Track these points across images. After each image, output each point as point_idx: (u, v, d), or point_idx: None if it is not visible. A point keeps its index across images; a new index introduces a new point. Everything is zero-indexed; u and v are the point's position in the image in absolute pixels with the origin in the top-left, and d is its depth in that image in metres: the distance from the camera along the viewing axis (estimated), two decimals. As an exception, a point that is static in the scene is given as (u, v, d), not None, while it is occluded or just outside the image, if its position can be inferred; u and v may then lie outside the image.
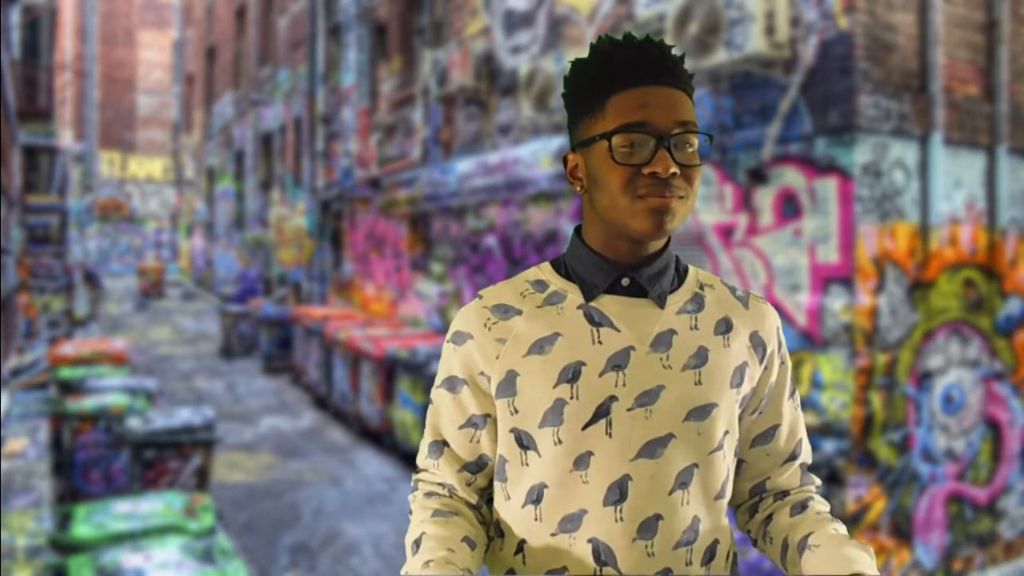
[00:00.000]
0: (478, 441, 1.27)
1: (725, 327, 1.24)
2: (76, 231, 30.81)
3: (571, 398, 1.18)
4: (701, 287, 1.28)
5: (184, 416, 5.71)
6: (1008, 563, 5.41)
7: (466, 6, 9.19)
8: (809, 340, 4.83)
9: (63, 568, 3.39)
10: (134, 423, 5.54)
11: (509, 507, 1.24)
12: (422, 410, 7.08)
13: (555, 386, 1.18)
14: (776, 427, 1.30)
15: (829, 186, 4.71)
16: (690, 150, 1.17)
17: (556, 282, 1.26)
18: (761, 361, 1.26)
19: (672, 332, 1.21)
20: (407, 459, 7.52)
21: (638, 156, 1.15)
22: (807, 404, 4.81)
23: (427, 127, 10.01)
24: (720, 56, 4.93)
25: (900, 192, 4.80)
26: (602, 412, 1.17)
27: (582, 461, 1.17)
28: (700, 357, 1.20)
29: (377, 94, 12.17)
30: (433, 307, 9.88)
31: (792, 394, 1.32)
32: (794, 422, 1.32)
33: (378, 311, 11.73)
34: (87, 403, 5.87)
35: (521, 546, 1.22)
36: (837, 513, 4.75)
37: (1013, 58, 5.35)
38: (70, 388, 6.64)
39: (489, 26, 8.58)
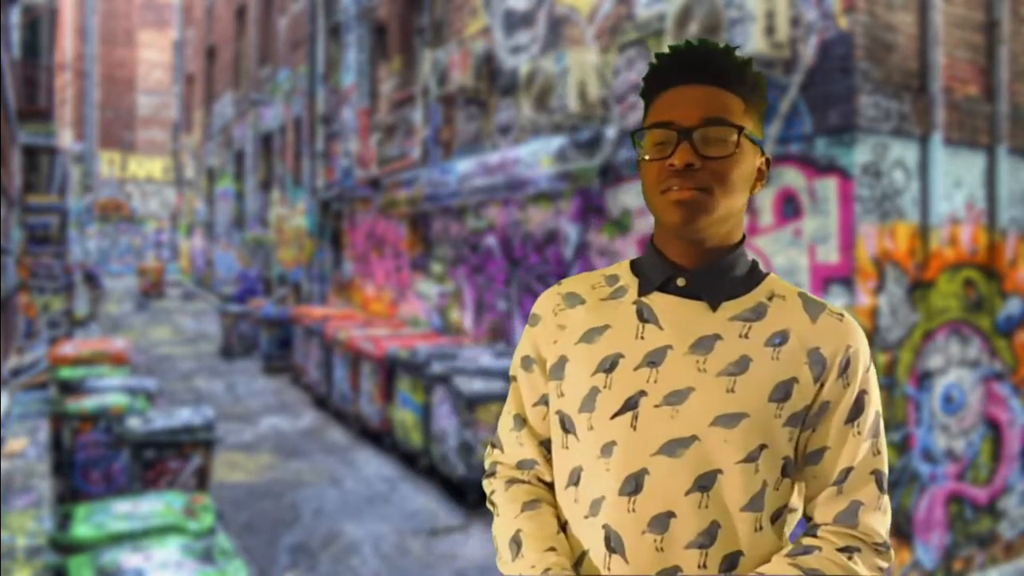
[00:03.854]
0: (547, 419, 1.32)
1: (780, 339, 1.21)
2: (76, 231, 30.80)
3: (604, 387, 1.22)
4: (771, 297, 1.25)
5: (184, 416, 5.71)
6: (1008, 563, 5.41)
7: (466, 6, 9.19)
8: (809, 340, 4.82)
9: (63, 568, 3.39)
10: (134, 423, 5.54)
11: (557, 488, 1.29)
12: (422, 410, 7.07)
13: (593, 374, 1.23)
14: (824, 449, 1.23)
15: (829, 186, 4.71)
16: (720, 145, 1.19)
17: (625, 277, 1.31)
18: (817, 379, 1.21)
19: (716, 337, 1.21)
20: (407, 459, 7.52)
21: (663, 152, 1.20)
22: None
23: (427, 127, 10.01)
24: (720, 56, 4.92)
25: (900, 192, 4.80)
26: (630, 404, 1.20)
27: (607, 449, 1.21)
28: (740, 365, 1.19)
29: (377, 94, 12.17)
30: (433, 307, 9.88)
31: (852, 420, 1.22)
32: (847, 449, 1.22)
33: (378, 311, 11.73)
34: (87, 403, 5.87)
35: (565, 527, 1.26)
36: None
37: (1013, 58, 5.35)
38: (70, 388, 6.64)
39: (489, 26, 8.58)
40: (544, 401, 1.32)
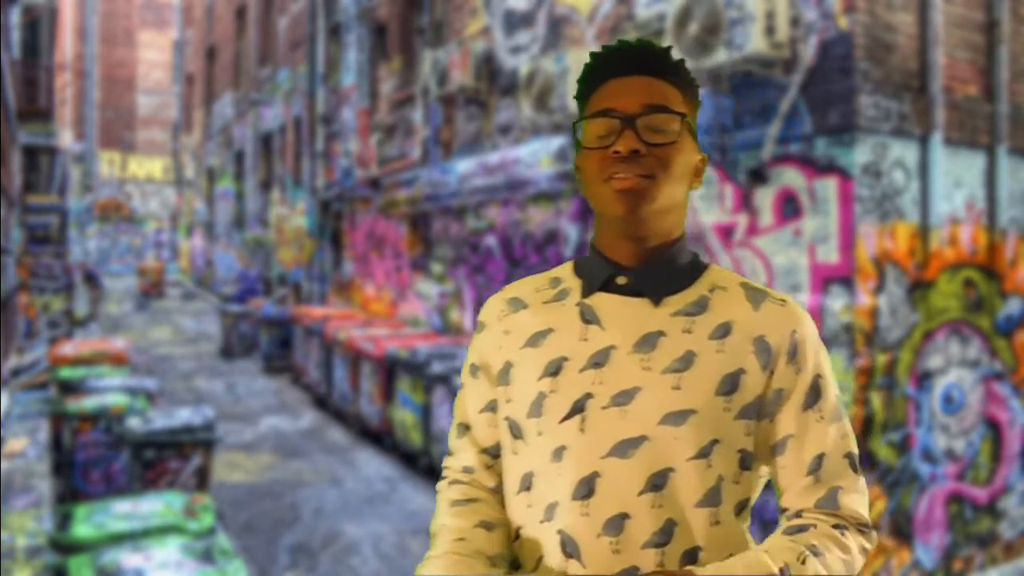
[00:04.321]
0: (495, 426, 1.31)
1: (723, 331, 1.21)
2: (76, 231, 30.80)
3: (551, 391, 1.21)
4: (712, 289, 1.25)
5: (184, 416, 5.71)
6: (1008, 563, 5.41)
7: (466, 6, 9.19)
8: (809, 340, 4.82)
9: (63, 568, 3.39)
10: (134, 423, 5.54)
11: (508, 494, 1.28)
12: (422, 410, 7.08)
13: (539, 379, 1.22)
14: (788, 438, 1.23)
15: (829, 186, 4.71)
16: (663, 132, 1.19)
17: (567, 279, 1.30)
18: (765, 367, 1.21)
19: (660, 334, 1.20)
20: (407, 459, 7.52)
21: (607, 141, 1.20)
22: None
23: (427, 127, 10.01)
24: (720, 56, 4.93)
25: (900, 192, 4.80)
26: (578, 408, 1.19)
27: (558, 454, 1.20)
28: (684, 361, 1.18)
29: (377, 94, 12.17)
30: (433, 307, 9.88)
31: (811, 406, 1.23)
32: (813, 435, 1.22)
33: (378, 311, 11.73)
34: (87, 403, 5.87)
35: (519, 532, 1.25)
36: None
37: (1013, 58, 5.35)
38: (70, 388, 6.64)
39: (489, 26, 8.58)
40: (491, 408, 1.31)
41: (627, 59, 1.22)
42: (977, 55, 5.21)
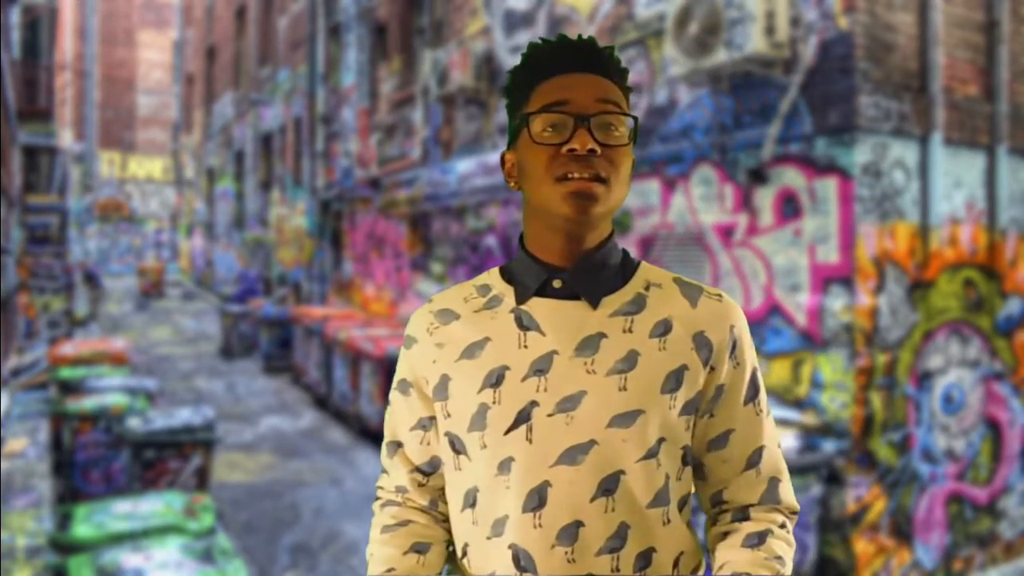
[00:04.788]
0: (428, 443, 1.27)
1: (663, 329, 1.19)
2: (76, 231, 30.81)
3: (494, 403, 1.17)
4: (647, 287, 1.23)
5: (184, 416, 5.71)
6: (1008, 563, 5.41)
7: (466, 6, 9.19)
8: (809, 340, 4.83)
9: (63, 568, 3.39)
10: (134, 423, 5.54)
11: (452, 511, 1.25)
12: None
13: (480, 391, 1.18)
14: (729, 432, 1.24)
15: (829, 186, 4.71)
16: (615, 133, 1.16)
17: (497, 286, 1.25)
18: (706, 363, 1.20)
19: (601, 336, 1.18)
20: (407, 459, 7.51)
21: (558, 137, 1.15)
22: (808, 404, 4.82)
23: (427, 127, 10.01)
24: (720, 56, 4.93)
25: (900, 192, 4.80)
26: (523, 417, 1.16)
27: (504, 466, 1.16)
28: (628, 361, 1.17)
29: (377, 94, 12.17)
30: (433, 307, 9.88)
31: (751, 400, 1.25)
32: (753, 429, 1.25)
33: (378, 311, 11.73)
34: (87, 403, 5.87)
35: (466, 550, 1.22)
36: (837, 513, 4.75)
37: (1013, 58, 5.35)
38: (70, 388, 6.63)
39: (489, 26, 8.58)
40: (422, 425, 1.27)
41: (579, 55, 1.18)
42: (977, 55, 5.21)
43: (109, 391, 6.35)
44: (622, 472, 1.15)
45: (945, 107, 4.97)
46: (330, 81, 14.24)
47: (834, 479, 4.57)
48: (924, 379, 4.95)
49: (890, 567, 4.77)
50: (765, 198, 5.05)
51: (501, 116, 8.29)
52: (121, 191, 40.25)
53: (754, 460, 1.25)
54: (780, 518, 1.25)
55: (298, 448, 8.25)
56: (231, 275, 21.86)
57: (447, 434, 1.23)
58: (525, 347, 1.18)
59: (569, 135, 1.14)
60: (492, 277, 1.27)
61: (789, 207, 4.94)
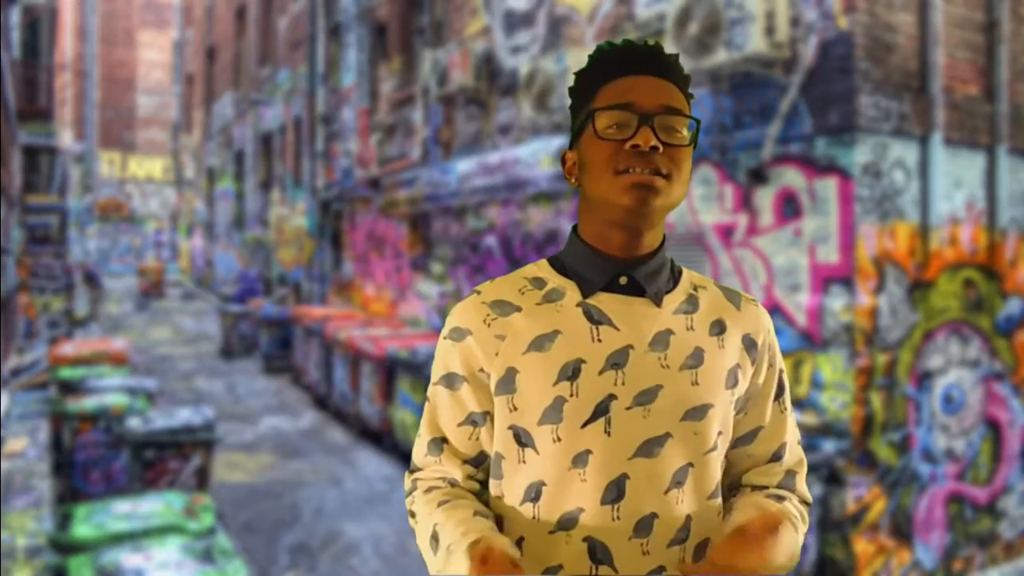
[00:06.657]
0: (477, 438, 1.27)
1: (719, 328, 1.25)
2: (76, 231, 30.79)
3: (571, 396, 1.18)
4: (695, 288, 1.28)
5: (184, 416, 5.71)
6: (1008, 563, 5.41)
7: (466, 6, 9.19)
8: (809, 340, 4.83)
9: (63, 568, 3.39)
10: (134, 423, 5.54)
11: (505, 504, 1.24)
12: (422, 410, 7.07)
13: (555, 383, 1.19)
14: (759, 429, 1.30)
15: (829, 186, 4.71)
16: (677, 134, 1.19)
17: (554, 279, 1.26)
18: (752, 363, 1.27)
19: (669, 332, 1.22)
20: (407, 459, 7.51)
21: (622, 134, 1.18)
22: (808, 404, 4.82)
23: (427, 127, 10.01)
24: (720, 56, 4.93)
25: (900, 192, 4.80)
26: (601, 410, 1.18)
27: (580, 459, 1.18)
28: (696, 358, 1.21)
29: (377, 94, 12.17)
30: (433, 307, 9.88)
31: (779, 397, 1.31)
32: (779, 425, 1.31)
33: (378, 311, 11.73)
34: (87, 403, 5.87)
35: (520, 543, 1.21)
36: (837, 513, 4.74)
37: (1013, 58, 5.35)
38: (70, 388, 6.63)
39: (489, 26, 8.58)
40: (472, 421, 1.26)
41: (645, 59, 1.22)
42: (977, 55, 5.21)
43: (109, 391, 6.35)
44: (691, 464, 1.20)
45: (945, 107, 4.97)
46: (330, 81, 14.24)
47: (834, 479, 4.57)
48: (924, 379, 4.95)
49: (890, 567, 4.77)
50: (765, 198, 5.05)
51: (501, 116, 8.29)
52: (121, 191, 40.24)
53: (777, 455, 1.31)
54: (796, 499, 1.30)
55: (298, 448, 8.24)
56: (231, 275, 21.86)
57: (511, 427, 1.22)
58: (599, 341, 1.20)
59: (633, 132, 1.17)
60: (543, 270, 1.28)
61: (789, 207, 4.94)
